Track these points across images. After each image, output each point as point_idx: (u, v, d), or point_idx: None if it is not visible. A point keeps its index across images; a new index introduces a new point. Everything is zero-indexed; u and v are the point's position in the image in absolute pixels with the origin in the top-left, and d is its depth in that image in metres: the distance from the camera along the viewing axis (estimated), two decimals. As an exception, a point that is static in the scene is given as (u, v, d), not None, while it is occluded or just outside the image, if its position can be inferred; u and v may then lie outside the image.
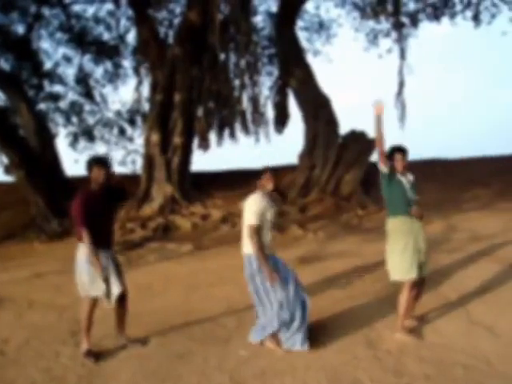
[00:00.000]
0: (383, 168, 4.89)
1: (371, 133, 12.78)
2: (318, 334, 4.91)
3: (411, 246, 4.80)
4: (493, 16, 13.27)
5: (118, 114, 17.03)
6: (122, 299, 4.92)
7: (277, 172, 4.91)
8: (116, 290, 4.76)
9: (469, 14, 13.41)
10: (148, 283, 7.19)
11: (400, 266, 4.81)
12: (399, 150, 4.96)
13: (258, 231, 4.65)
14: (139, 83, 14.55)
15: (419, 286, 4.95)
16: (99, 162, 4.83)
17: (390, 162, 4.93)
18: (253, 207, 4.71)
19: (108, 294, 4.77)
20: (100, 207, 4.78)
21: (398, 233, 4.86)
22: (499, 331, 4.83)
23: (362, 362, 4.42)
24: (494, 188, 12.04)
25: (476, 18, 13.33)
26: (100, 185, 4.79)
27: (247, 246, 4.75)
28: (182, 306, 6.18)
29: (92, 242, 4.63)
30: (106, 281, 4.72)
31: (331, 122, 13.20)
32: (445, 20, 14.99)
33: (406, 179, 4.97)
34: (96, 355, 4.77)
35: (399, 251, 4.80)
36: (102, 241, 4.76)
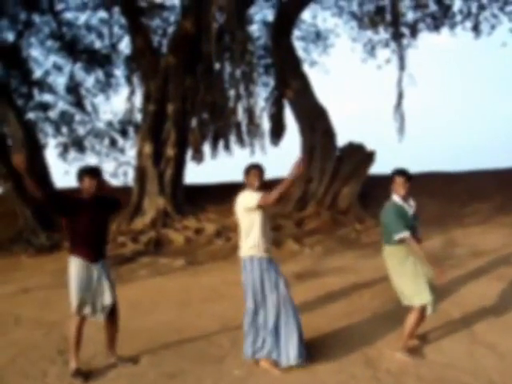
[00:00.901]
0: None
1: (369, 145, 12.86)
2: (314, 353, 4.88)
3: (413, 270, 4.75)
4: (493, 27, 13.40)
5: (110, 124, 17.00)
6: (112, 314, 4.89)
7: (272, 184, 4.89)
8: (107, 300, 4.74)
9: (468, 24, 13.54)
10: (139, 299, 7.14)
11: (418, 291, 4.73)
12: (401, 174, 4.85)
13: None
14: (131, 93, 14.57)
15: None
16: (90, 172, 4.83)
17: (391, 185, 4.89)
18: (247, 197, 4.71)
19: (95, 310, 4.75)
20: (91, 217, 4.77)
21: (397, 259, 4.81)
22: (502, 350, 4.82)
23: (360, 382, 4.39)
24: (495, 202, 12.06)
25: (476, 29, 13.46)
26: (91, 195, 4.80)
27: (243, 249, 4.76)
28: (175, 323, 6.14)
29: (84, 253, 4.64)
30: (93, 296, 4.71)
31: (328, 133, 13.22)
32: (444, 31, 15.13)
33: (409, 205, 4.89)
34: (85, 375, 4.71)
35: (405, 278, 4.76)
36: (94, 251, 4.75)
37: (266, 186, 4.84)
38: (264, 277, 4.70)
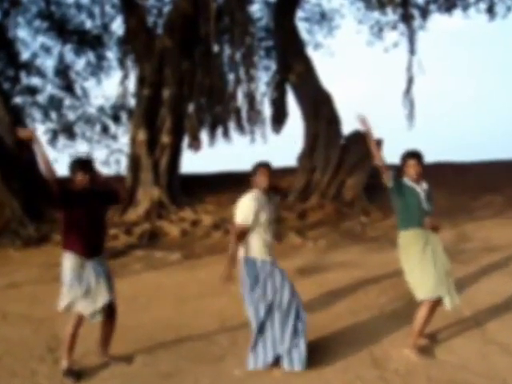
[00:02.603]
0: (388, 182, 4.85)
1: (376, 132, 12.81)
2: (318, 353, 4.88)
3: (430, 260, 4.75)
4: (508, 9, 13.34)
5: (101, 109, 17.00)
6: (111, 313, 4.89)
7: (274, 174, 4.87)
8: (104, 299, 4.73)
9: (483, 6, 13.48)
10: (133, 295, 7.13)
11: (422, 283, 4.74)
12: (413, 155, 4.88)
13: (244, 232, 4.66)
14: (124, 76, 14.46)
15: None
16: (83, 167, 4.80)
17: (402, 167, 4.90)
18: (242, 206, 4.72)
19: (93, 309, 4.74)
20: (86, 211, 4.75)
21: (412, 247, 4.81)
22: (516, 350, 4.83)
23: (366, 383, 4.40)
24: (508, 194, 12.07)
25: (490, 11, 13.39)
26: (85, 188, 4.77)
27: (241, 250, 4.77)
28: (171, 320, 6.14)
29: (79, 249, 4.65)
30: (89, 293, 4.70)
31: (333, 120, 13.22)
32: (457, 12, 15.03)
33: (421, 188, 4.91)
34: (77, 374, 4.71)
35: (418, 267, 4.75)
36: (89, 247, 4.74)
37: (273, 185, 4.85)
38: (267, 281, 4.69)
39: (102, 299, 4.73)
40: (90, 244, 4.75)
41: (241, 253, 4.78)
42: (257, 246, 4.74)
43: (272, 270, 4.72)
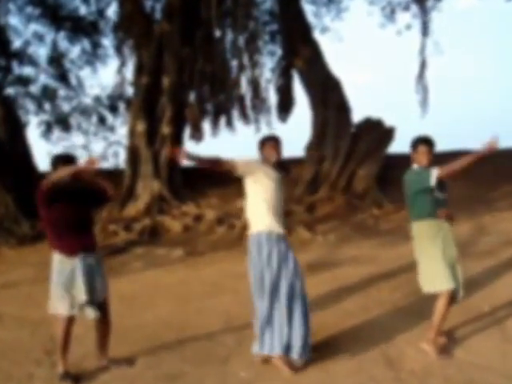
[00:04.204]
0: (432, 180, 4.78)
1: (388, 120, 12.79)
2: (328, 352, 4.89)
3: (442, 252, 4.76)
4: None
5: (98, 99, 16.96)
6: (103, 314, 4.88)
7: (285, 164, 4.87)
8: (82, 298, 4.73)
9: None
10: (133, 294, 7.16)
11: (435, 275, 4.76)
12: (424, 142, 4.90)
13: (230, 169, 4.58)
14: (122, 65, 14.46)
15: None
16: (65, 161, 4.79)
17: (412, 154, 4.91)
18: (245, 158, 4.68)
19: (81, 307, 4.75)
20: (68, 208, 4.74)
21: (426, 238, 4.82)
22: (538, 348, 4.82)
23: (380, 384, 4.40)
24: (528, 184, 12.02)
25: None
26: (67, 184, 4.75)
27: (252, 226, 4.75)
28: (173, 320, 6.15)
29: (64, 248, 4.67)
30: (76, 293, 4.70)
31: (342, 107, 13.18)
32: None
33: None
34: (75, 378, 4.72)
35: (432, 260, 4.77)
36: (73, 244, 4.74)
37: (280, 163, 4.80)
38: (273, 256, 4.67)
39: (80, 298, 4.71)
40: (74, 241, 4.75)
41: (252, 229, 4.76)
42: (266, 219, 4.71)
43: (278, 243, 4.70)
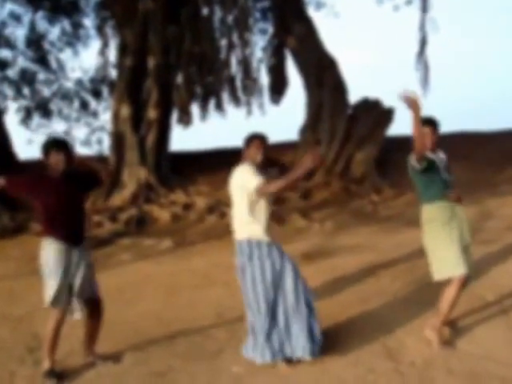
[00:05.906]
0: (416, 165, 4.79)
1: (387, 101, 12.77)
2: (326, 345, 4.90)
3: (457, 235, 4.78)
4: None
5: (79, 83, 16.90)
6: (94, 309, 4.90)
7: (273, 149, 4.86)
8: (87, 293, 4.74)
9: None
10: (120, 287, 7.17)
11: (449, 260, 4.75)
12: (429, 123, 4.85)
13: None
14: (104, 46, 14.42)
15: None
16: (58, 146, 4.79)
17: None
18: (246, 176, 4.64)
19: (72, 305, 4.75)
20: (61, 197, 4.74)
21: (438, 222, 4.81)
22: (544, 337, 4.85)
23: (380, 376, 4.42)
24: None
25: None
26: (60, 172, 4.76)
27: (239, 232, 4.74)
28: (162, 313, 6.17)
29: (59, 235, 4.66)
30: (70, 287, 4.70)
31: (338, 88, 13.17)
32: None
33: (438, 158, 4.91)
34: (59, 375, 4.73)
35: (445, 244, 4.77)
36: (70, 234, 4.74)
37: (268, 158, 4.79)
38: (275, 264, 4.68)
39: (84, 293, 4.74)
40: (70, 231, 4.76)
41: (239, 236, 4.76)
42: (256, 226, 4.71)
43: (270, 252, 4.70)
